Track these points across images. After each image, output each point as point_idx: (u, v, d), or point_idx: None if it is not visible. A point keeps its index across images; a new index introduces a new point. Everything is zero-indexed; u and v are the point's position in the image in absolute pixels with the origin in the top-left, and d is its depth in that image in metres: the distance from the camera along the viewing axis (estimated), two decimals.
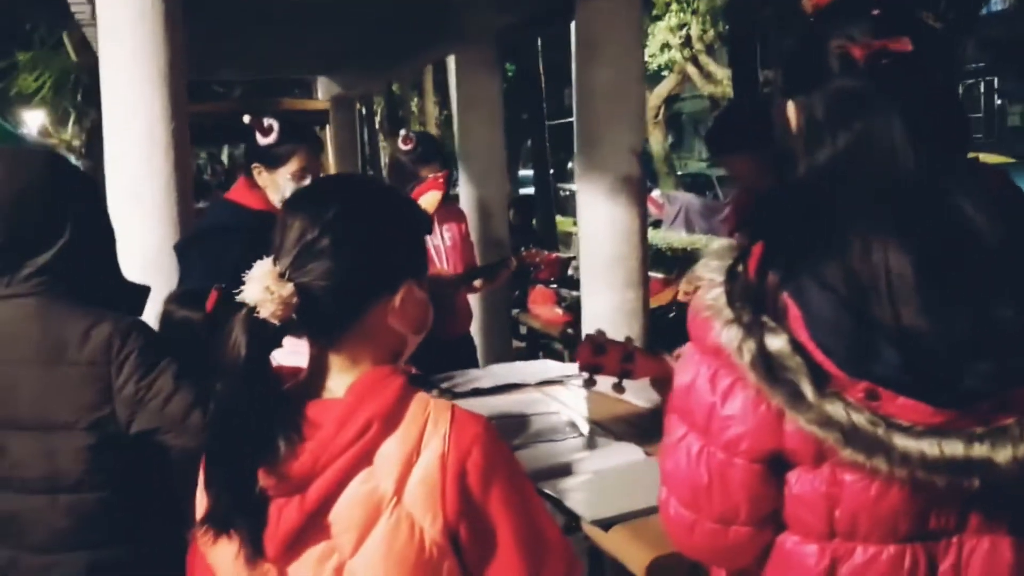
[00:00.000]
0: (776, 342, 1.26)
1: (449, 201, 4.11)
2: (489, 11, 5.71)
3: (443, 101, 24.06)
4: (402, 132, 4.09)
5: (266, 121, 3.12)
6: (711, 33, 18.54)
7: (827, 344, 1.24)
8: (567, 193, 21.64)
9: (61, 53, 15.89)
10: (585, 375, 2.05)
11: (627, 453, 2.65)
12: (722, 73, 18.52)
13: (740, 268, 1.31)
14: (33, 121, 20.67)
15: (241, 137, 3.33)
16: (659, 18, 18.53)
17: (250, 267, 1.35)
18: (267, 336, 1.32)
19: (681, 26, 18.55)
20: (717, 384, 1.34)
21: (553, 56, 16.65)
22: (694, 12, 17.95)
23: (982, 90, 26.47)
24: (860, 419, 1.24)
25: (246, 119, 3.10)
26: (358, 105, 13.01)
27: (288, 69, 11.40)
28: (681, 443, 1.39)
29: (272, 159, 3.11)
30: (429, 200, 3.37)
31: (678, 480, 1.40)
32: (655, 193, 20.93)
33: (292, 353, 2.25)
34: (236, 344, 1.30)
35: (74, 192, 2.02)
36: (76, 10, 6.94)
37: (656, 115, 20.32)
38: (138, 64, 3.53)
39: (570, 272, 7.46)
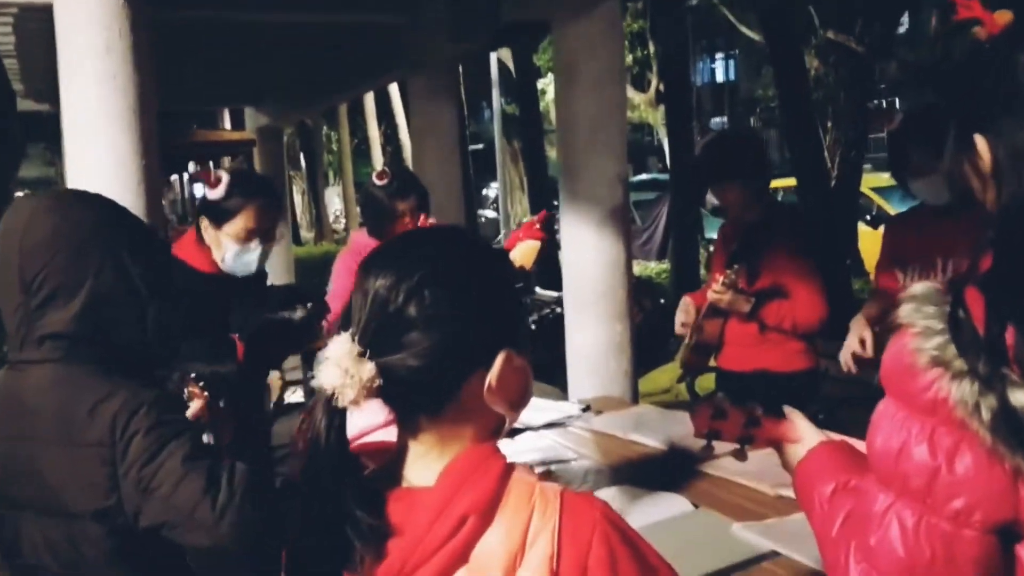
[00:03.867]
0: (1023, 397, 1.11)
1: None
2: (445, 40, 5.55)
3: (389, 130, 23.78)
4: (378, 167, 3.91)
5: (215, 173, 2.86)
6: (628, 59, 18.71)
7: None
8: (484, 220, 21.57)
9: None
10: (703, 442, 1.84)
11: (673, 505, 2.51)
12: (640, 98, 18.69)
13: (962, 314, 1.16)
14: None
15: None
16: None
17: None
18: (345, 420, 1.16)
19: None
20: (937, 445, 1.18)
21: (470, 82, 16.59)
22: None
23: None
24: None
25: (191, 168, 2.86)
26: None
27: (214, 100, 11.05)
28: (889, 514, 1.23)
29: (218, 214, 2.84)
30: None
31: (890, 558, 1.23)
32: None
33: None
34: (317, 432, 1.14)
35: (108, 241, 1.76)
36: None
37: None
38: (105, 99, 3.25)
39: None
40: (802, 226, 3.76)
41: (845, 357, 2.98)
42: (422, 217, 3.75)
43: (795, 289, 3.48)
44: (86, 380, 1.68)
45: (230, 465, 1.67)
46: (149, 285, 1.79)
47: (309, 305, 3.47)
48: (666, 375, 6.76)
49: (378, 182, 3.74)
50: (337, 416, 1.14)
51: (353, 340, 1.13)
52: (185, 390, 2.06)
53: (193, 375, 2.12)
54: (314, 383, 1.13)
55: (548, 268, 8.52)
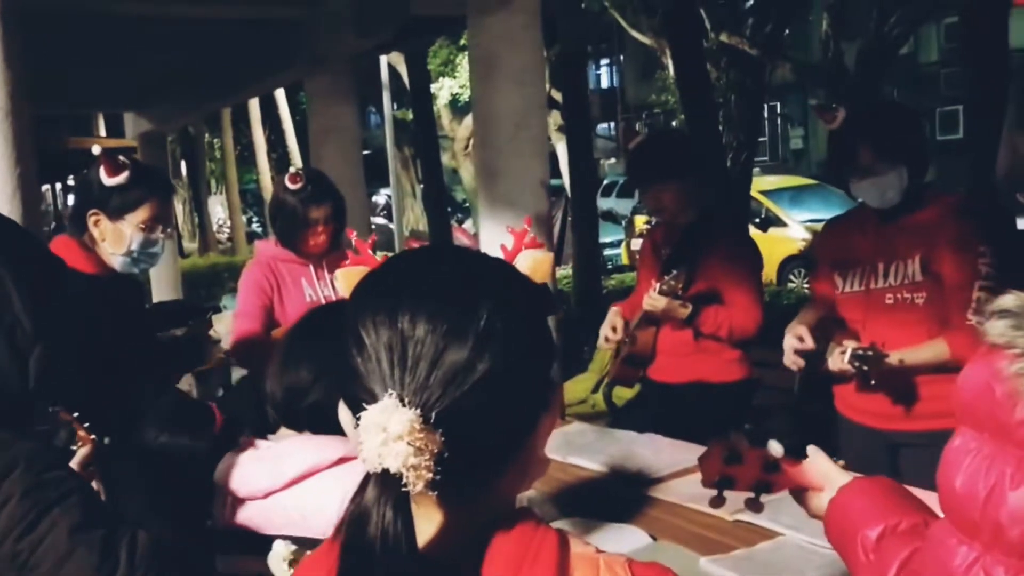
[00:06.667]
0: None
1: (337, 246, 3.62)
2: (348, 35, 5.24)
3: (275, 136, 23.15)
4: (291, 169, 3.59)
5: (121, 157, 2.66)
6: None
7: None
8: (375, 227, 21.30)
9: None
10: (712, 492, 1.53)
11: (631, 538, 2.32)
12: None
13: None
14: None
15: None
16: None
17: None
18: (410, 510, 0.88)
19: None
20: None
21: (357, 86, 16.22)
22: None
23: (766, 114, 27.83)
24: None
25: (96, 150, 2.60)
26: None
27: (92, 103, 10.42)
28: (975, 570, 1.04)
29: (120, 204, 2.65)
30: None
31: None
32: (467, 225, 20.87)
33: (257, 460, 1.78)
34: (387, 533, 0.86)
35: None
36: None
37: (466, 147, 20.22)
38: None
39: None
40: (738, 229, 3.62)
41: (789, 356, 2.81)
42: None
43: (731, 295, 3.36)
44: None
45: (130, 535, 1.38)
46: (36, 321, 1.48)
47: (191, 322, 3.17)
48: (580, 385, 6.58)
49: (290, 186, 3.42)
50: (409, 508, 0.87)
51: (404, 404, 0.86)
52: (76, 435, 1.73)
53: (76, 414, 1.80)
54: (374, 466, 0.86)
55: None
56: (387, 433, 0.84)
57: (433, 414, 0.86)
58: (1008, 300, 1.02)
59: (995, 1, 6.36)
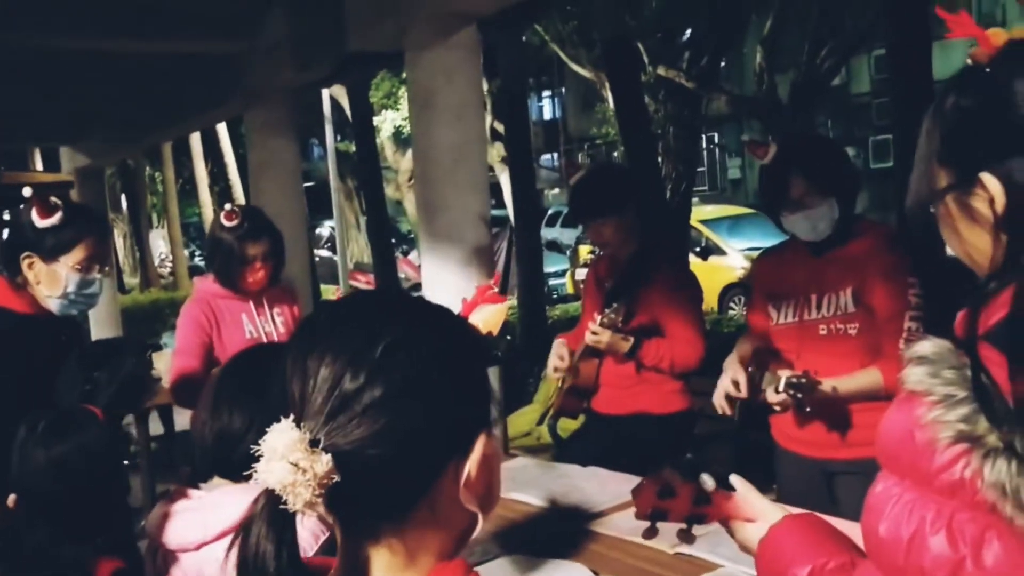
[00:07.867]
0: None
1: (277, 281, 3.61)
2: (286, 69, 5.22)
3: (216, 169, 22.98)
4: (227, 206, 3.56)
5: (52, 198, 2.58)
6: None
7: None
8: (319, 259, 21.17)
9: None
10: (646, 524, 1.53)
11: (572, 574, 2.31)
12: None
13: (985, 379, 0.98)
14: None
15: None
16: None
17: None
18: (296, 531, 0.92)
19: None
20: (959, 533, 1.00)
21: (299, 118, 16.17)
22: None
23: (704, 145, 28.22)
24: None
25: (27, 192, 2.55)
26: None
27: (26, 138, 10.22)
28: None
29: (53, 246, 2.59)
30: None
31: None
32: (412, 256, 20.81)
33: (188, 511, 1.74)
34: (261, 552, 0.91)
35: None
36: None
37: (410, 178, 20.26)
38: None
39: None
40: (678, 261, 3.65)
41: (719, 399, 2.83)
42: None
43: (673, 327, 3.38)
44: None
45: None
46: None
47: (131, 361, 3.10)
48: (525, 418, 6.58)
49: (226, 223, 3.40)
50: (288, 527, 0.90)
51: (299, 428, 0.88)
52: None
53: None
54: (259, 480, 0.89)
55: None
56: (274, 452, 0.87)
57: (321, 437, 0.89)
58: (925, 347, 1.03)
59: (918, 35, 6.54)
